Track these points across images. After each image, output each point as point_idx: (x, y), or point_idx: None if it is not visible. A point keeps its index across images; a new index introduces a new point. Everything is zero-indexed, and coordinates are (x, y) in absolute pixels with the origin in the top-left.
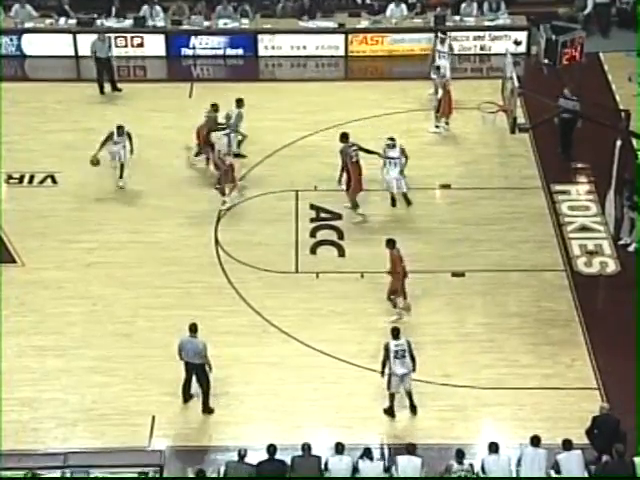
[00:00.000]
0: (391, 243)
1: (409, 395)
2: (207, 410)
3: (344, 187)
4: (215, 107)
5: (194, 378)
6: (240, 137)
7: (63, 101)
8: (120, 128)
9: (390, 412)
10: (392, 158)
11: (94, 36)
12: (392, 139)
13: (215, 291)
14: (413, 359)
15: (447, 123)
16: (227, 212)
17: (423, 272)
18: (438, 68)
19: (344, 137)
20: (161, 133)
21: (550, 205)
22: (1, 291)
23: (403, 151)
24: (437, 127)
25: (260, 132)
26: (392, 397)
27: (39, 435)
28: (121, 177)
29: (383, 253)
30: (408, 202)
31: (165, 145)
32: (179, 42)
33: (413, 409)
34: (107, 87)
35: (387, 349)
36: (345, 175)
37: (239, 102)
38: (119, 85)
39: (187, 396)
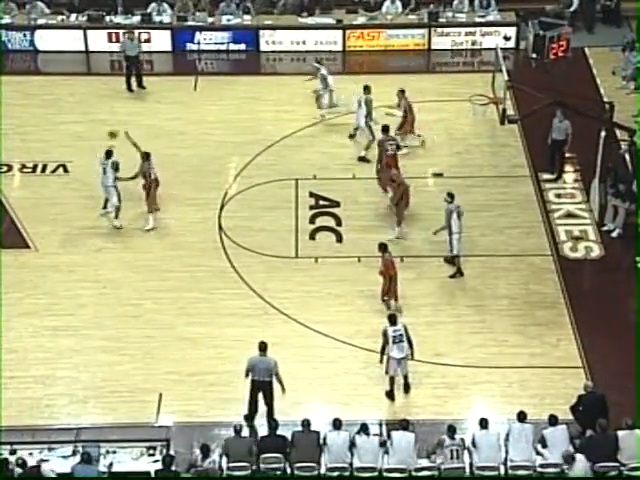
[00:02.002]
0: (383, 247)
1: (404, 377)
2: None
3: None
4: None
5: (260, 395)
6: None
7: (74, 94)
8: (108, 152)
9: (390, 395)
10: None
11: (104, 32)
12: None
13: (219, 275)
14: (410, 344)
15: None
16: (230, 200)
17: (417, 257)
18: (403, 91)
19: (384, 130)
20: (167, 124)
21: (538, 193)
22: (2, 274)
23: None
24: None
25: (261, 123)
26: (392, 380)
27: (53, 411)
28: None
29: (378, 239)
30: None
31: (171, 136)
32: (184, 37)
33: (406, 388)
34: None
35: (385, 334)
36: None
37: (366, 88)
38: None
39: (254, 414)
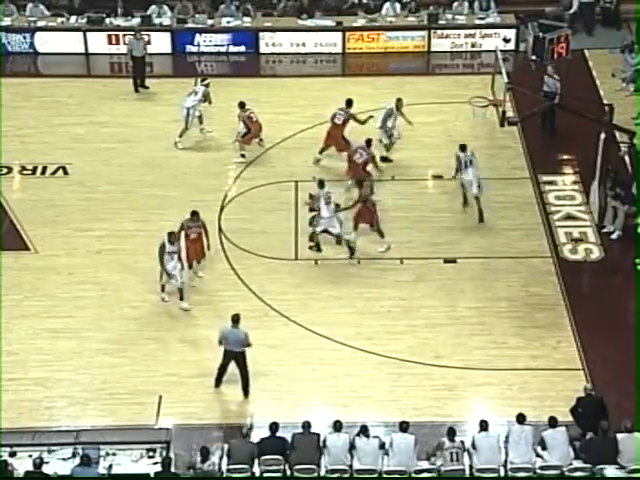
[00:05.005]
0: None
1: (477, 200)
2: (247, 394)
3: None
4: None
5: (232, 364)
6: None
7: (74, 96)
8: (172, 234)
9: (480, 217)
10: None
11: (104, 34)
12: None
13: (218, 277)
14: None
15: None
16: (230, 202)
17: (417, 259)
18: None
19: (348, 104)
20: (167, 126)
21: (537, 195)
22: (1, 276)
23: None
24: None
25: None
26: (465, 198)
27: (52, 413)
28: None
29: (378, 241)
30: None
31: (170, 138)
32: (184, 39)
33: (481, 217)
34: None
35: (459, 160)
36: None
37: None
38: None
39: (220, 381)
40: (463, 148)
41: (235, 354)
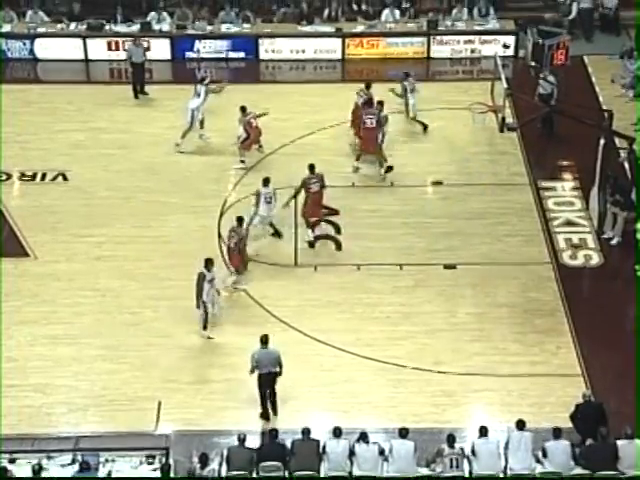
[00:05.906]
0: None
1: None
2: (276, 412)
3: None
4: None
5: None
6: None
7: (73, 102)
8: (209, 261)
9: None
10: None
11: (103, 41)
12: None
13: (218, 282)
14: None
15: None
16: (229, 207)
17: (416, 264)
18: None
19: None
20: (166, 132)
21: (537, 201)
22: (1, 282)
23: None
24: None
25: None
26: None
27: (52, 420)
28: None
29: (378, 247)
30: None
31: (170, 144)
32: (184, 46)
33: (424, 127)
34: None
35: (404, 87)
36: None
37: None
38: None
39: (268, 412)
40: (407, 75)
41: (270, 375)
